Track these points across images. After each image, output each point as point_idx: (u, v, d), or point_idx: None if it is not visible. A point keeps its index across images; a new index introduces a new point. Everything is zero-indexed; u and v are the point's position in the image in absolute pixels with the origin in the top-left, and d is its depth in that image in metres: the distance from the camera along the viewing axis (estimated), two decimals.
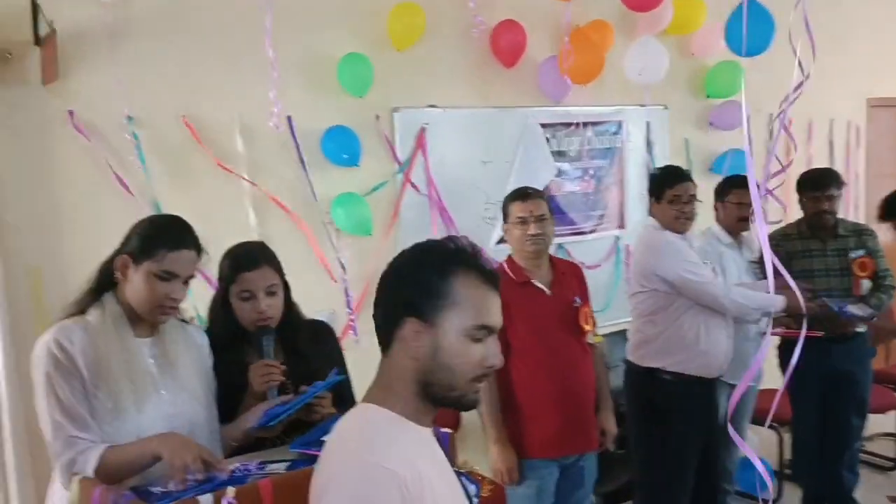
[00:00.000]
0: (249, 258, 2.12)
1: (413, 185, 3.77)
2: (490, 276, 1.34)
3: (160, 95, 3.18)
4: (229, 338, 2.10)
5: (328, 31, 3.55)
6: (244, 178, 3.34)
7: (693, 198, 3.24)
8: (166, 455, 1.64)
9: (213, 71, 3.29)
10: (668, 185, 3.27)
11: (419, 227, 3.74)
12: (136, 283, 1.82)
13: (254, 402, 1.99)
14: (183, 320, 2.00)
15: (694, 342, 3.16)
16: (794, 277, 3.72)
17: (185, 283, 1.87)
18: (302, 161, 3.48)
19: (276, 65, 3.22)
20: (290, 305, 2.18)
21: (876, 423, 4.67)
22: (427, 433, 1.35)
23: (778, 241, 3.81)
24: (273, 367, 2.01)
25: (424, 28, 3.68)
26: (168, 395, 1.85)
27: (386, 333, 1.33)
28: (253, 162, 3.40)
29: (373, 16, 3.62)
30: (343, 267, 3.59)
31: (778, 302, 3.10)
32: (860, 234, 3.81)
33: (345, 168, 3.57)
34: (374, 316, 1.36)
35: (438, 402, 1.33)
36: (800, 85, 2.59)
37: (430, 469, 1.29)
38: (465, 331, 1.29)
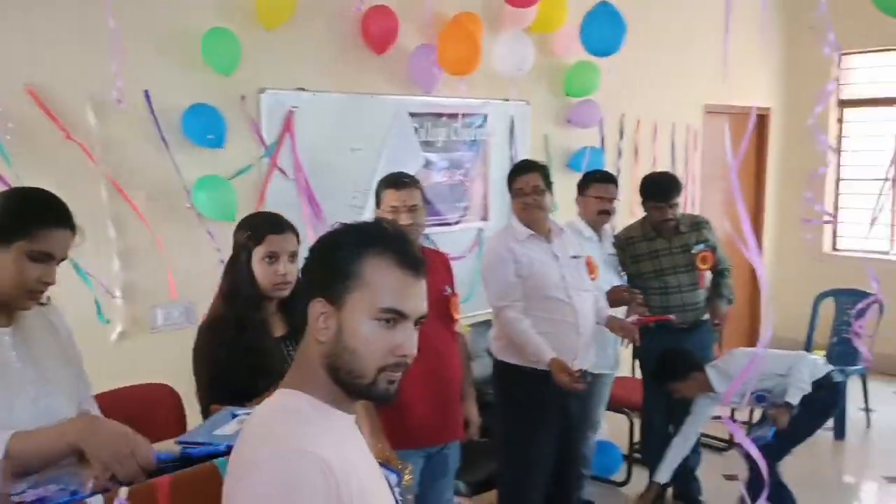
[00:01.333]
0: (276, 222, 2.29)
1: (280, 170, 3.64)
2: (411, 260, 1.29)
3: (2, 63, 2.87)
4: (254, 301, 2.21)
5: (192, 4, 3.34)
6: (91, 157, 3.08)
7: (537, 189, 3.27)
8: (88, 450, 1.44)
9: (62, 40, 3.01)
10: (511, 178, 3.36)
11: (285, 212, 3.53)
12: (3, 265, 1.62)
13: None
14: (41, 303, 1.79)
15: (541, 338, 3.19)
16: (645, 278, 4.00)
17: (42, 259, 1.66)
18: (163, 139, 3.26)
19: (118, 34, 2.96)
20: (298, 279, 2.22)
21: None
22: (350, 420, 1.31)
23: (623, 244, 4.04)
24: None
25: (295, 7, 3.55)
26: (34, 391, 1.65)
27: (302, 315, 1.30)
28: (106, 138, 3.14)
29: None
30: (207, 253, 3.40)
31: (542, 356, 3.12)
32: (699, 227, 4.10)
33: (208, 149, 3.38)
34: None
35: (349, 391, 1.27)
36: None
37: (356, 456, 1.25)
38: (372, 313, 1.25)
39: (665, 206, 3.93)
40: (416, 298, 1.30)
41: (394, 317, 1.26)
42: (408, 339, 1.28)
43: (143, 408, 2.50)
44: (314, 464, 1.14)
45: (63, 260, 1.69)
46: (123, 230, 3.21)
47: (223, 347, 2.17)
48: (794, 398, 3.57)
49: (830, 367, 3.79)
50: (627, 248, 4.04)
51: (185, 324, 3.39)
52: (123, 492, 1.32)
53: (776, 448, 3.60)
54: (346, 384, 1.26)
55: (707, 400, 3.80)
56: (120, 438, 1.47)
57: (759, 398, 3.72)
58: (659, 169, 5.57)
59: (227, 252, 3.39)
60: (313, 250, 1.33)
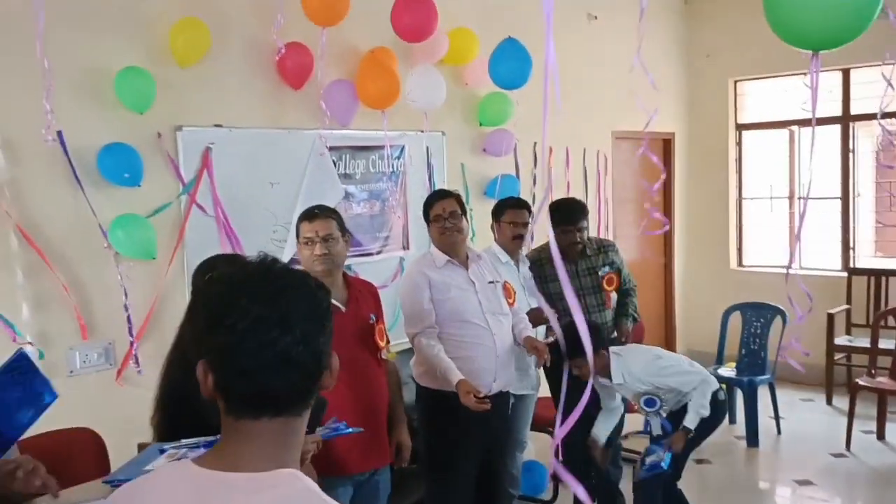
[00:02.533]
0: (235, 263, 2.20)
1: (199, 206, 3.63)
2: None
3: None
4: None
5: (105, 41, 3.33)
6: None
7: (454, 214, 3.39)
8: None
9: None
10: (428, 205, 3.48)
11: (206, 249, 3.53)
12: None
13: None
14: None
15: (456, 362, 3.26)
16: (554, 299, 4.12)
17: None
18: (77, 179, 3.22)
19: (50, 73, 2.96)
20: None
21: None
22: None
23: (536, 264, 4.17)
24: None
25: (209, 45, 3.57)
26: None
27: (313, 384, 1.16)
28: (16, 180, 3.09)
29: (154, 28, 3.47)
30: (126, 293, 3.36)
31: (450, 378, 3.20)
32: (605, 250, 4.30)
33: (125, 188, 3.36)
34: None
35: None
36: None
37: None
38: None
39: (572, 229, 4.07)
40: None
41: None
42: None
43: (66, 453, 2.46)
44: None
45: None
46: (33, 275, 3.14)
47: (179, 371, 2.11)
48: (693, 423, 3.54)
49: (717, 386, 3.73)
50: (535, 269, 4.17)
51: (104, 365, 3.34)
52: None
53: (672, 472, 3.64)
54: None
55: (606, 391, 3.73)
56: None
57: (649, 402, 3.64)
58: (572, 194, 5.78)
59: (146, 291, 3.41)
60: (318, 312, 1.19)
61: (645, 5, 2.71)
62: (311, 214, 2.97)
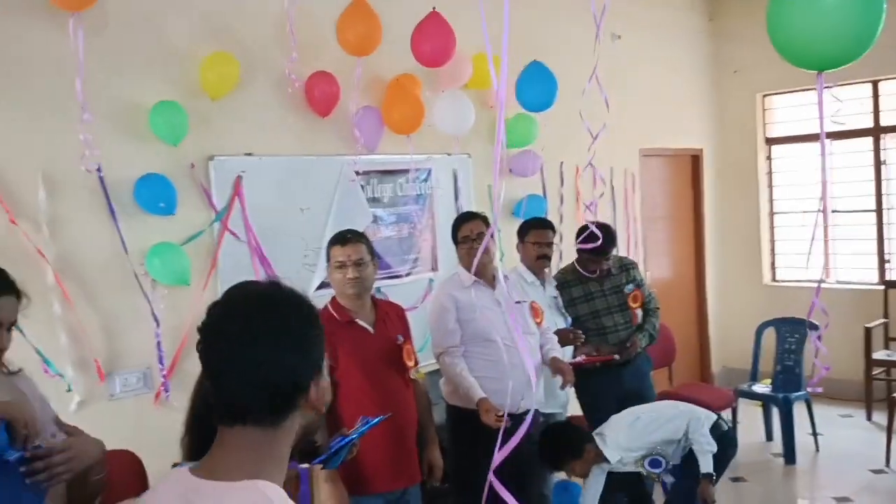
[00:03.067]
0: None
1: (232, 233, 3.74)
2: None
3: None
4: None
5: (139, 78, 3.47)
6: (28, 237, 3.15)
7: (481, 235, 3.46)
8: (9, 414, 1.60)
9: (12, 116, 3.11)
10: (456, 227, 3.55)
11: (239, 275, 3.66)
12: None
13: None
14: (10, 372, 1.88)
15: (483, 381, 3.34)
16: (582, 320, 4.15)
17: (8, 330, 1.78)
18: (111, 209, 3.34)
19: (85, 107, 3.09)
20: None
21: None
22: None
23: (561, 286, 4.22)
24: None
25: (238, 77, 3.70)
26: None
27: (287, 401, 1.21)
28: (56, 212, 3.22)
29: (185, 63, 3.60)
30: (157, 320, 3.46)
31: (472, 396, 3.28)
32: (627, 268, 4.36)
33: (160, 217, 3.48)
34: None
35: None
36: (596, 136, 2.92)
37: None
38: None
39: (602, 258, 4.15)
40: None
41: None
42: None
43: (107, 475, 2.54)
44: None
45: (12, 324, 1.79)
46: (69, 305, 3.22)
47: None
48: (708, 466, 3.41)
49: (715, 417, 3.64)
50: (563, 291, 4.22)
51: (143, 389, 3.44)
52: None
53: None
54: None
55: (599, 470, 3.55)
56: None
57: (654, 463, 3.48)
58: (601, 213, 5.81)
59: (182, 315, 3.51)
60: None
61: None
62: (342, 239, 3.05)
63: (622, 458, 3.48)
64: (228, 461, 1.18)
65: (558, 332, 3.86)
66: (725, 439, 3.62)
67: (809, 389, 3.51)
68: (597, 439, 3.51)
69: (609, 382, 4.16)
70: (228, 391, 1.19)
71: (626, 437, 3.49)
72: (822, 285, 6.80)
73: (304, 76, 4.02)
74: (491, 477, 1.63)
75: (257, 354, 1.17)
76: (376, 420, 2.40)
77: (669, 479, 3.50)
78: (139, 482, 2.73)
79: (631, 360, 4.21)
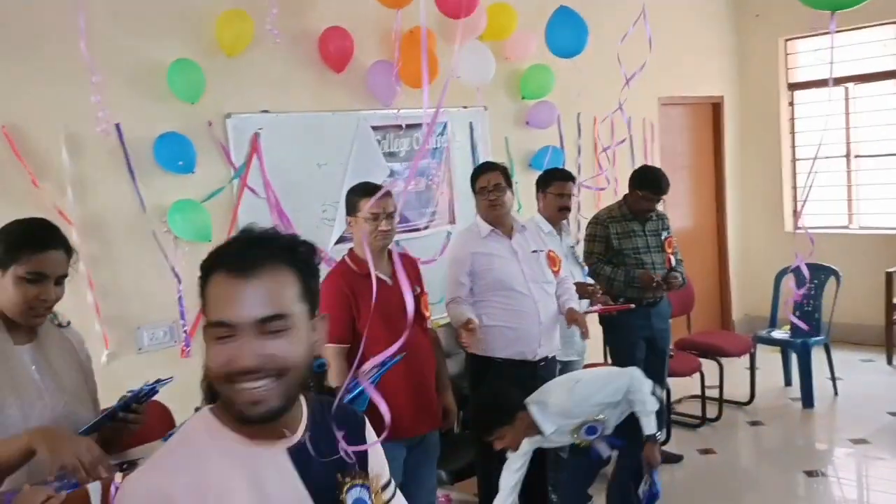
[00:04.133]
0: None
1: (251, 189, 3.81)
2: (237, 264, 1.19)
3: None
4: None
5: (156, 37, 3.51)
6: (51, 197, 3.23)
7: (498, 186, 3.50)
8: (42, 451, 1.64)
9: (34, 79, 3.18)
10: (474, 178, 3.59)
11: None
12: (6, 290, 1.83)
13: None
14: (59, 325, 2.00)
15: (502, 329, 3.43)
16: (625, 254, 4.30)
17: (58, 283, 1.88)
18: (130, 170, 3.42)
19: (94, 68, 3.13)
20: None
21: (683, 386, 5.24)
22: (251, 447, 1.23)
23: (605, 221, 4.39)
24: None
25: (253, 34, 3.73)
26: (51, 401, 1.86)
27: None
28: (80, 173, 3.30)
29: (201, 22, 3.63)
30: (178, 277, 3.56)
31: (462, 319, 3.31)
32: (662, 217, 4.47)
33: (180, 175, 3.55)
34: None
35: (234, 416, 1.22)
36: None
37: (235, 484, 1.19)
38: (210, 334, 1.19)
39: (657, 198, 4.33)
40: (241, 304, 1.17)
41: (224, 332, 1.17)
42: (236, 352, 1.17)
43: None
44: (137, 488, 1.16)
45: (63, 278, 1.89)
46: (94, 264, 3.33)
47: None
48: (652, 427, 3.16)
49: (649, 381, 3.26)
50: (611, 224, 4.36)
51: (169, 342, 3.56)
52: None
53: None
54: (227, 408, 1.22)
55: (528, 445, 3.15)
56: (65, 440, 1.67)
57: (590, 430, 3.15)
58: (619, 162, 5.82)
59: (194, 276, 3.60)
60: None
61: None
62: (374, 191, 3.05)
63: (560, 426, 3.10)
64: None
65: (577, 286, 3.92)
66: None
67: (795, 321, 3.54)
68: (533, 409, 3.11)
69: (639, 322, 4.32)
70: None
71: (565, 403, 3.12)
72: (845, 231, 6.76)
73: (319, 32, 4.04)
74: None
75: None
76: (392, 361, 2.44)
77: (605, 450, 3.20)
78: (167, 426, 2.84)
79: (657, 301, 4.37)
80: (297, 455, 1.25)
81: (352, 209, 3.07)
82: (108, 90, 3.24)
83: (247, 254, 1.20)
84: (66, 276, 1.90)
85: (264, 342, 1.17)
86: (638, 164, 6.12)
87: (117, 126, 3.38)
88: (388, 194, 3.09)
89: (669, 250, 4.44)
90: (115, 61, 3.35)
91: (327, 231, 4.08)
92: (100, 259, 3.36)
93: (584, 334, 3.58)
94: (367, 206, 3.00)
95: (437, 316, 3.67)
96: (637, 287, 4.26)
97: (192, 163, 3.56)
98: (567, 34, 4.57)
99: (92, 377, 2.10)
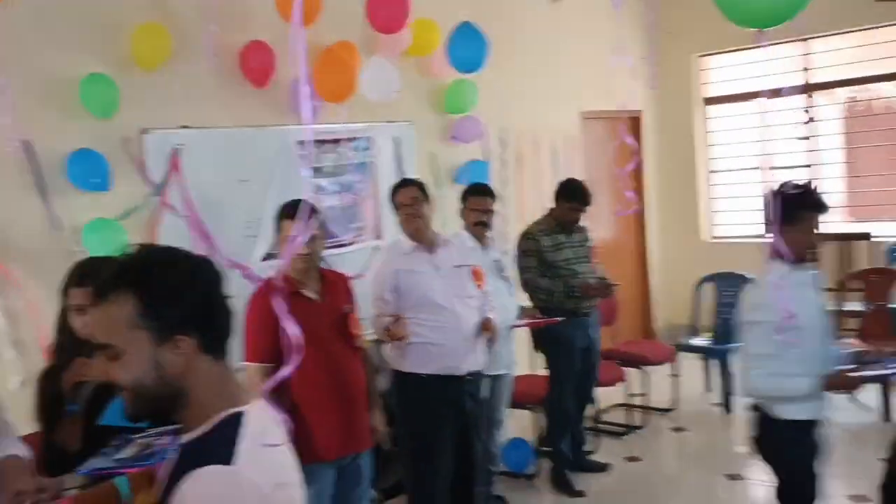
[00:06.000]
0: (80, 275, 2.23)
1: (171, 207, 3.70)
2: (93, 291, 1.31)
3: None
4: (76, 350, 2.11)
5: (67, 51, 3.40)
6: None
7: (415, 199, 3.50)
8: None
9: None
10: (392, 194, 3.59)
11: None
12: None
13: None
14: None
15: (426, 346, 3.42)
16: (559, 265, 4.37)
17: None
18: (40, 187, 3.29)
19: (6, 89, 3.01)
20: None
21: (608, 395, 5.33)
22: None
23: (536, 235, 4.46)
24: (85, 365, 2.02)
25: (171, 49, 3.64)
26: None
27: None
28: None
29: (116, 36, 3.53)
30: None
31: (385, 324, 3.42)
32: (584, 229, 4.63)
33: (94, 193, 3.43)
34: None
35: None
36: None
37: None
38: None
39: (582, 209, 4.44)
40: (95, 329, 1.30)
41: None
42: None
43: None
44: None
45: None
46: (5, 287, 3.21)
47: None
48: None
49: None
50: (541, 238, 4.42)
51: None
52: None
53: None
54: None
55: None
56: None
57: None
58: (542, 177, 5.91)
59: None
60: None
61: None
62: (293, 213, 3.01)
63: None
64: None
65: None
66: None
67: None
68: None
69: (578, 332, 4.43)
70: None
71: None
72: (761, 240, 7.00)
73: (239, 46, 3.97)
74: None
75: None
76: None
77: None
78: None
79: (591, 312, 4.51)
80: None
81: (278, 230, 3.04)
82: (16, 105, 3.11)
83: (103, 279, 1.29)
84: None
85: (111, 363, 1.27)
86: (561, 176, 6.24)
87: (27, 143, 3.24)
88: (306, 216, 3.01)
89: (595, 259, 4.56)
90: (25, 76, 3.23)
91: (250, 247, 4.00)
92: (7, 282, 3.21)
93: (490, 341, 3.60)
94: (285, 227, 2.97)
95: (368, 332, 3.63)
96: (577, 297, 4.34)
97: (107, 180, 3.45)
98: (467, 49, 4.65)
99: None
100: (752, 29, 2.60)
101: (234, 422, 1.27)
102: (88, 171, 3.38)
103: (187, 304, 1.27)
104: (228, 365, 1.33)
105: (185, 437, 1.29)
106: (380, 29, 4.25)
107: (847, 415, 5.09)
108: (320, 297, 3.07)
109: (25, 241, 3.27)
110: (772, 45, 6.57)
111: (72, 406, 1.91)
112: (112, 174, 3.47)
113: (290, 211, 3.02)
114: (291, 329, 1.15)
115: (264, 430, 1.31)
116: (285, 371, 1.28)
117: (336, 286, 3.20)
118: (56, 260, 3.31)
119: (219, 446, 1.22)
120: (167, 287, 1.27)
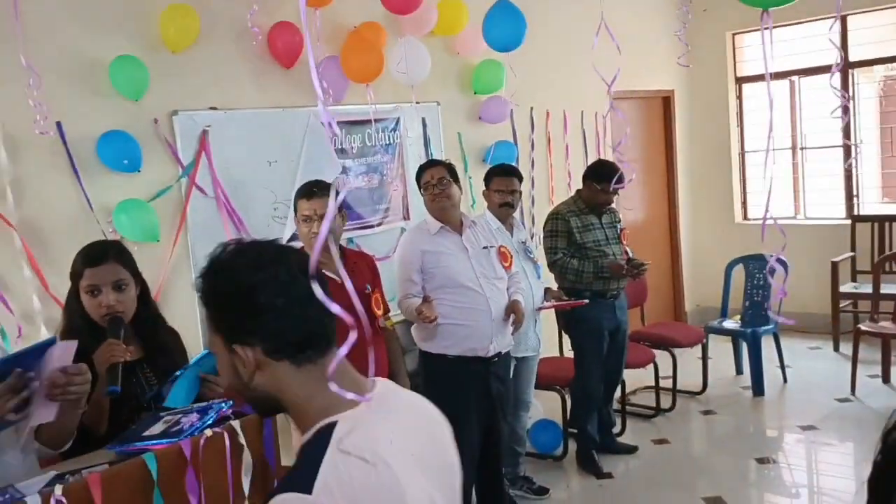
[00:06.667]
0: (96, 254, 2.21)
1: (199, 188, 3.74)
2: None
3: None
4: (87, 333, 2.11)
5: (97, 34, 3.42)
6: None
7: (442, 180, 3.51)
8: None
9: None
10: (419, 175, 3.59)
11: (209, 231, 3.72)
12: None
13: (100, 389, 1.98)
14: None
15: (454, 326, 3.43)
16: (586, 248, 4.34)
17: None
18: (74, 169, 3.33)
19: (33, 66, 3.04)
20: (146, 302, 2.30)
21: (637, 377, 5.30)
22: None
23: (566, 216, 4.42)
24: (116, 346, 2.03)
25: (199, 30, 3.65)
26: None
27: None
28: (19, 174, 3.21)
29: (145, 18, 3.55)
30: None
31: (412, 307, 3.40)
32: (614, 211, 4.59)
33: (125, 174, 3.47)
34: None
35: None
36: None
37: None
38: None
39: (613, 190, 4.38)
40: None
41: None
42: None
43: None
44: None
45: None
46: (40, 267, 3.24)
47: None
48: None
49: None
50: (571, 219, 4.39)
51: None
52: (58, 489, 1.45)
53: None
54: None
55: None
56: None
57: None
58: (572, 156, 5.87)
59: (152, 272, 3.53)
60: None
61: None
62: (308, 192, 3.05)
63: None
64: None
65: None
66: None
67: (781, 320, 3.58)
68: None
69: (605, 315, 4.40)
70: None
71: None
72: (793, 221, 6.91)
73: (267, 27, 3.98)
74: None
75: None
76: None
77: None
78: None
79: (619, 294, 4.49)
80: None
81: (294, 210, 3.07)
82: (49, 88, 3.15)
83: None
84: None
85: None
86: (591, 157, 6.19)
87: (59, 125, 3.28)
88: (321, 195, 3.02)
89: (625, 242, 4.52)
90: (57, 59, 3.26)
91: (279, 229, 4.03)
92: (45, 262, 3.26)
93: (516, 325, 3.59)
94: (301, 208, 3.00)
95: (395, 313, 3.64)
96: (606, 278, 4.32)
97: (138, 161, 3.48)
98: (505, 27, 4.58)
99: None
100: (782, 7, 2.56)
101: (326, 434, 1.15)
102: (119, 152, 3.41)
103: (234, 313, 1.20)
104: (323, 367, 1.19)
105: (301, 440, 1.20)
106: (394, 10, 4.22)
107: None
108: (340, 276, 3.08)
109: (58, 221, 3.31)
110: (802, 23, 6.49)
111: (113, 388, 1.92)
112: (142, 155, 3.50)
113: (303, 191, 3.05)
114: (335, 309, 1.10)
115: (365, 434, 1.17)
116: (343, 350, 1.19)
117: (358, 266, 3.22)
118: (88, 240, 3.39)
119: (305, 465, 1.12)
120: (217, 294, 1.22)
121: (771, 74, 6.19)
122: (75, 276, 2.23)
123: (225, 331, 1.21)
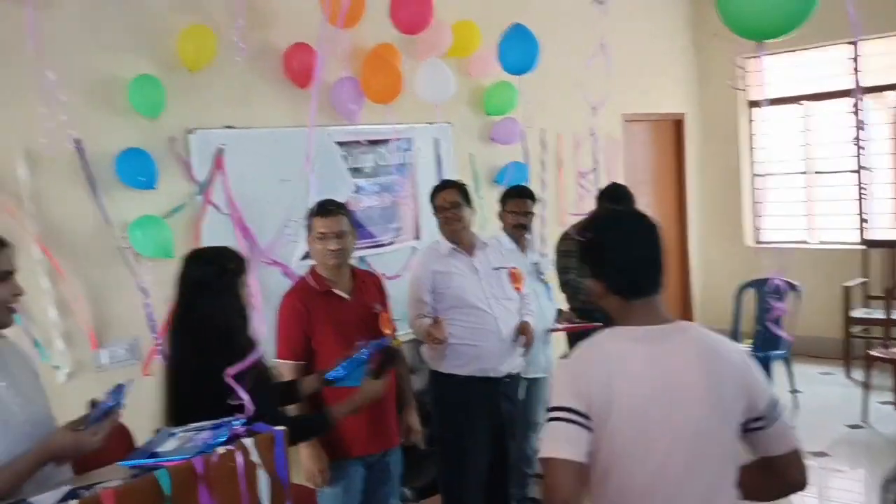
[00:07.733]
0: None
1: (213, 205, 3.78)
2: None
3: None
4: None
5: (117, 53, 3.49)
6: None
7: (455, 203, 3.53)
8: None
9: None
10: (432, 196, 3.61)
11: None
12: None
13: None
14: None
15: (463, 347, 3.44)
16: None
17: (5, 279, 1.87)
18: (92, 185, 3.38)
19: (54, 84, 3.09)
20: None
21: None
22: None
23: (567, 242, 4.39)
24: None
25: (216, 50, 3.71)
26: (21, 413, 1.85)
27: None
28: (38, 188, 3.26)
29: (163, 37, 3.61)
30: (144, 292, 3.52)
31: (424, 328, 3.43)
32: None
33: (141, 191, 3.52)
34: None
35: None
36: None
37: None
38: None
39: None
40: None
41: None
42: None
43: None
44: None
45: (8, 274, 1.88)
46: (58, 279, 3.30)
47: None
48: None
49: None
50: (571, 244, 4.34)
51: (130, 360, 3.51)
52: None
53: None
54: None
55: None
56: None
57: None
58: (583, 178, 5.88)
59: (167, 288, 3.56)
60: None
61: None
62: (324, 210, 3.07)
63: None
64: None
65: None
66: None
67: (782, 335, 3.56)
68: None
69: None
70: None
71: None
72: (805, 246, 6.86)
73: (283, 48, 4.04)
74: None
75: None
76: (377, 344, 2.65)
77: None
78: (127, 445, 2.79)
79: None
80: None
81: (308, 228, 3.09)
82: (68, 106, 3.20)
83: None
84: (11, 272, 1.88)
85: None
86: (602, 180, 6.20)
87: (77, 141, 3.33)
88: (337, 213, 3.06)
89: None
90: (76, 77, 3.32)
91: (291, 247, 4.06)
92: (59, 275, 3.30)
93: (526, 347, 3.59)
94: (316, 226, 3.02)
95: (403, 332, 3.66)
96: None
97: (154, 178, 3.53)
98: (518, 51, 4.62)
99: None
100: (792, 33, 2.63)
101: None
102: (136, 169, 3.47)
103: (587, 256, 1.98)
104: (645, 302, 1.82)
105: None
106: (404, 30, 4.27)
107: None
108: (351, 295, 3.10)
109: (76, 236, 3.36)
110: (816, 47, 6.50)
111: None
112: (158, 173, 3.54)
113: (318, 209, 3.08)
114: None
115: (615, 347, 1.82)
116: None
117: (367, 285, 3.23)
118: (104, 255, 3.44)
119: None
120: (584, 243, 1.99)
121: (780, 98, 6.23)
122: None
123: (588, 266, 1.93)
